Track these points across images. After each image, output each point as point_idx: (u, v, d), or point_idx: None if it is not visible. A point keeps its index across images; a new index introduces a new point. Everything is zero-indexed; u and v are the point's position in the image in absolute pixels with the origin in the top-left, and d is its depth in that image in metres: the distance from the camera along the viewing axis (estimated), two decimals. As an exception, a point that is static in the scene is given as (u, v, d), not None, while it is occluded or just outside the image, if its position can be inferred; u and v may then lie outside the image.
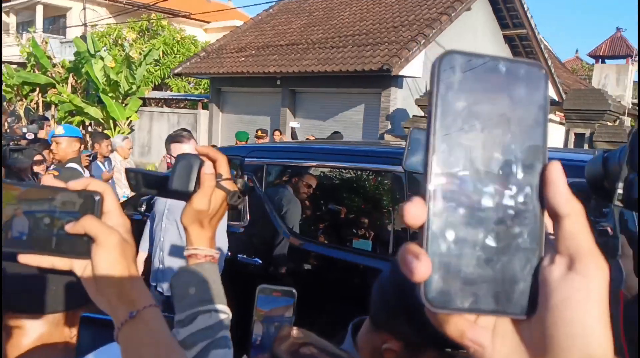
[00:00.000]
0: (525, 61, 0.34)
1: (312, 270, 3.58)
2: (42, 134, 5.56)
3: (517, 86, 0.34)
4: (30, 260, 0.60)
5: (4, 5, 26.60)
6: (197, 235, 0.95)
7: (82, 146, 4.83)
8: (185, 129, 3.60)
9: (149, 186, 1.04)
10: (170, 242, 3.20)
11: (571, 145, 8.51)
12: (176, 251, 3.16)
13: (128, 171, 1.04)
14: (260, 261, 3.65)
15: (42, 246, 0.60)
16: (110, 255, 0.61)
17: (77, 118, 15.14)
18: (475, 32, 12.15)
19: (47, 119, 7.94)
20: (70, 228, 0.60)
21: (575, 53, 29.94)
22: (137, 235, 4.34)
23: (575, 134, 8.53)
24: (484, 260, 0.33)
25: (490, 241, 0.33)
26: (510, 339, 0.34)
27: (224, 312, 0.94)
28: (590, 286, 0.31)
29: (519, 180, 0.34)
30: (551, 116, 14.78)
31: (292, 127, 10.71)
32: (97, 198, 0.61)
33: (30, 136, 4.78)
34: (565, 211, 0.32)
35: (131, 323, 0.63)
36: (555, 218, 0.33)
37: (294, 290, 1.05)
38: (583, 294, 0.31)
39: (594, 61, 19.55)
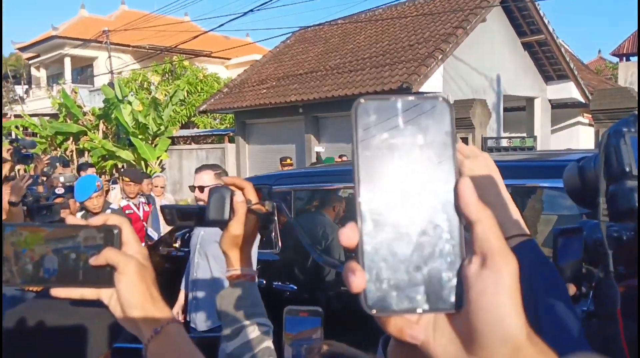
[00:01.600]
0: (429, 96, 0.40)
1: (346, 292, 3.57)
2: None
3: (424, 118, 0.39)
4: (61, 293, 0.67)
5: (35, 60, 27.85)
6: (235, 257, 1.06)
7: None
8: (213, 165, 3.68)
9: (185, 219, 1.14)
10: (202, 277, 3.24)
11: (602, 146, 8.34)
12: (207, 285, 3.19)
13: (163, 208, 1.13)
14: (295, 287, 3.67)
15: (71, 279, 0.66)
16: (130, 280, 0.68)
17: (110, 162, 15.62)
18: (493, 42, 12.12)
19: (92, 165, 8.09)
20: (93, 261, 0.66)
21: (597, 53, 29.45)
22: (173, 272, 4.43)
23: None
24: (413, 267, 0.39)
25: (417, 251, 0.39)
26: (447, 332, 0.39)
27: (266, 325, 1.03)
28: (500, 279, 0.36)
29: (435, 197, 0.39)
30: (579, 118, 14.54)
31: (317, 152, 10.81)
32: (115, 231, 0.68)
33: (61, 191, 4.86)
34: (475, 218, 0.38)
35: (156, 339, 0.70)
36: (469, 224, 0.38)
37: (320, 309, 1.10)
38: (494, 287, 0.36)
39: (617, 59, 19.22)
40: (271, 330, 1.05)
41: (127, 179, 5.82)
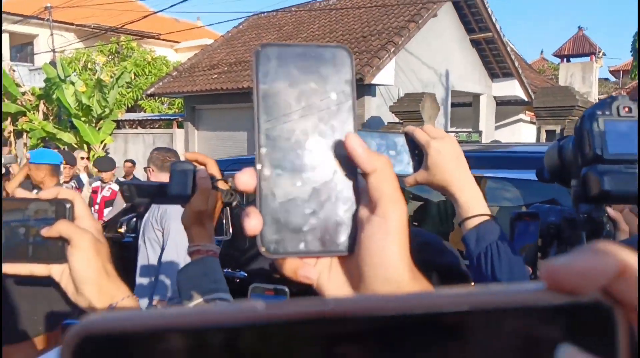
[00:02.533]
0: (331, 45, 0.41)
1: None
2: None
3: (325, 66, 0.40)
4: (8, 268, 0.63)
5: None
6: (198, 233, 1.05)
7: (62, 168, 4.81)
8: (168, 149, 3.66)
9: (143, 196, 1.10)
10: (141, 262, 3.21)
11: (543, 141, 8.72)
12: (145, 270, 3.16)
13: (122, 184, 1.10)
14: (245, 274, 3.65)
15: (19, 254, 0.63)
16: (85, 255, 0.65)
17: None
18: (443, 38, 12.39)
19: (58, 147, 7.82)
20: (45, 231, 0.63)
21: (540, 54, 30.65)
22: (119, 259, 4.34)
23: (547, 131, 8.74)
24: (310, 211, 0.40)
25: (314, 196, 0.40)
26: (341, 274, 0.42)
27: (228, 300, 1.02)
28: (387, 224, 0.38)
29: (334, 144, 0.40)
30: (521, 115, 15.13)
31: None
32: (68, 205, 0.65)
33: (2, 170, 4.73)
34: (368, 168, 0.39)
35: None
36: (364, 175, 0.40)
37: (287, 288, 1.10)
38: (382, 231, 0.38)
39: (559, 60, 20.09)
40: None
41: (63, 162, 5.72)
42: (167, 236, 3.16)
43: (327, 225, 0.40)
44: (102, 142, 14.68)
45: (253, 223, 0.38)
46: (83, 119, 14.28)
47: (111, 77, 15.86)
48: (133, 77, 17.11)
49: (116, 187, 5.99)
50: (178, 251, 3.23)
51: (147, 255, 3.19)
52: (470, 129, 13.48)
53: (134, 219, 4.25)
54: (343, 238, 0.40)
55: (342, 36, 12.27)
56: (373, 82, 10.40)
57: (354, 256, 0.40)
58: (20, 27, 22.79)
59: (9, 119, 16.71)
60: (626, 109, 0.80)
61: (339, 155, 0.40)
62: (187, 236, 1.06)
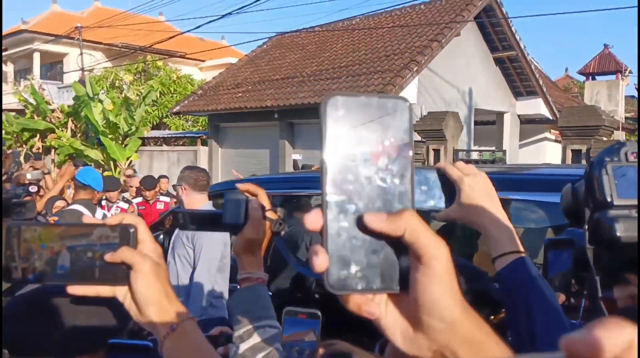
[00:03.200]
0: (392, 96, 0.44)
1: (324, 297, 3.60)
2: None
3: (387, 115, 0.43)
4: (77, 290, 0.67)
5: (3, 54, 27.08)
6: (248, 261, 1.10)
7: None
8: (201, 169, 3.71)
9: (195, 224, 1.16)
10: (171, 277, 3.25)
11: (569, 162, 8.59)
12: (175, 288, 3.21)
13: (175, 212, 1.14)
14: (271, 293, 3.67)
15: (87, 276, 0.67)
16: (146, 279, 0.69)
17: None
18: (466, 57, 12.39)
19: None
20: (108, 257, 0.67)
21: (565, 71, 30.34)
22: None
23: (572, 150, 8.62)
24: (371, 251, 0.43)
25: (375, 237, 0.43)
26: (396, 309, 0.46)
27: (276, 327, 1.06)
28: (433, 271, 0.42)
29: (394, 187, 0.44)
30: (546, 134, 14.95)
31: (294, 160, 10.79)
32: (131, 230, 0.69)
33: (34, 188, 4.85)
34: (398, 233, 0.42)
35: (173, 336, 0.72)
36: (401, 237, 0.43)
37: (319, 312, 1.11)
38: (429, 277, 0.42)
39: (584, 78, 19.87)
40: (281, 332, 1.06)
41: (142, 187, 6.51)
42: (198, 254, 3.22)
43: (386, 263, 0.43)
44: (128, 159, 14.94)
45: (320, 261, 0.42)
46: (110, 136, 14.60)
47: (138, 95, 16.20)
48: (159, 96, 17.45)
49: (124, 206, 6.22)
50: (210, 270, 3.29)
51: (176, 271, 3.25)
52: (494, 148, 13.37)
53: (161, 236, 4.35)
54: (398, 276, 0.44)
55: (365, 55, 12.37)
56: (396, 100, 10.41)
57: (408, 296, 0.44)
58: (51, 47, 23.50)
59: (38, 135, 17.17)
60: (634, 155, 0.82)
61: (397, 198, 0.44)
62: (238, 263, 1.11)
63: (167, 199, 6.72)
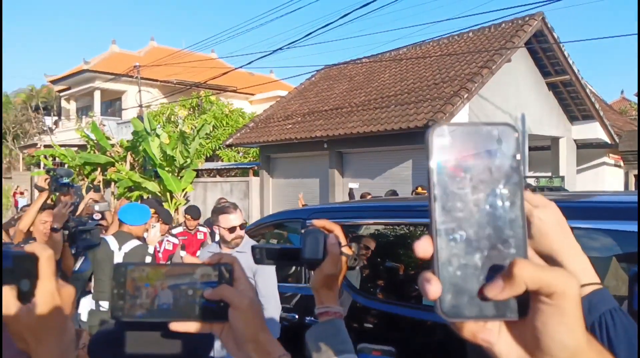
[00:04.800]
0: (498, 123, 0.45)
1: (380, 329, 3.56)
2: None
3: (493, 143, 0.44)
4: (179, 326, 0.71)
5: (65, 93, 28.73)
6: (326, 295, 1.12)
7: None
8: (229, 202, 3.80)
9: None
10: None
11: (632, 187, 8.26)
12: None
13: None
14: (297, 316, 3.68)
15: (188, 313, 0.70)
16: (245, 316, 0.71)
17: (136, 193, 15.86)
18: (517, 82, 12.23)
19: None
20: (208, 294, 0.70)
21: (620, 94, 29.34)
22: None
23: (635, 175, 8.29)
24: (483, 277, 0.43)
25: (487, 263, 0.43)
26: (511, 335, 0.45)
27: None
28: (561, 312, 0.42)
29: (504, 214, 0.44)
30: (605, 158, 14.43)
31: (350, 188, 10.84)
32: (229, 268, 0.72)
33: (98, 216, 5.11)
34: (519, 291, 0.42)
35: None
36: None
37: (394, 349, 1.16)
38: (556, 320, 0.42)
39: (642, 100, 19.14)
40: None
41: (188, 216, 6.59)
42: (265, 287, 3.30)
43: None
44: (183, 190, 15.42)
45: (434, 288, 0.43)
46: (167, 168, 15.14)
47: (192, 129, 16.81)
48: (212, 129, 18.02)
49: (174, 240, 6.39)
50: (277, 301, 3.37)
51: None
52: (550, 174, 13.00)
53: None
54: (513, 303, 0.43)
55: (414, 84, 12.41)
56: (447, 128, 10.34)
57: (526, 322, 0.43)
58: (111, 85, 24.78)
59: (99, 169, 18.02)
60: None
61: (509, 224, 0.44)
62: (316, 297, 1.13)
63: (205, 229, 6.78)
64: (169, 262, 5.96)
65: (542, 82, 12.90)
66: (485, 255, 0.43)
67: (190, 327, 0.70)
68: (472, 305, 0.43)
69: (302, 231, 1.13)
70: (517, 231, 0.44)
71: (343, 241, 1.13)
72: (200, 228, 6.73)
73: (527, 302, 0.43)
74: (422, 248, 0.44)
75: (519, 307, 0.43)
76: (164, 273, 0.70)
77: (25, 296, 0.68)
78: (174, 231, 6.53)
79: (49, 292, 0.68)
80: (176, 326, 0.70)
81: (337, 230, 1.14)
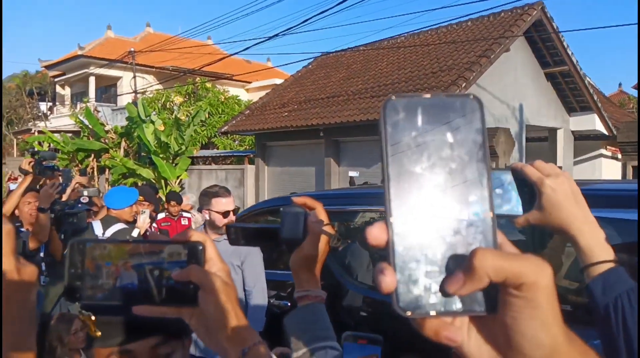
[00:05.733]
0: (458, 94, 0.39)
1: (381, 319, 3.50)
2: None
3: (455, 116, 0.39)
4: (144, 310, 0.63)
5: (60, 79, 28.49)
6: (307, 278, 1.03)
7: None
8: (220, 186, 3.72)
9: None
10: None
11: (629, 178, 8.22)
12: None
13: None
14: (289, 304, 3.62)
15: (154, 296, 0.63)
16: (216, 299, 0.64)
17: (130, 180, 15.74)
18: (516, 72, 12.14)
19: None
20: (176, 275, 0.62)
21: (618, 87, 29.33)
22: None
23: (633, 167, 8.24)
24: (446, 269, 0.37)
25: (450, 251, 0.38)
26: (479, 333, 0.40)
27: (337, 349, 0.98)
28: (534, 305, 0.36)
29: (468, 195, 0.38)
30: (602, 150, 14.40)
31: (351, 177, 10.75)
32: (200, 247, 0.65)
33: (85, 199, 5.02)
34: (482, 285, 0.37)
35: None
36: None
37: (381, 338, 1.09)
38: (528, 312, 0.37)
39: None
40: (341, 354, 1.01)
41: (173, 202, 6.55)
42: (252, 273, 3.24)
43: None
44: (178, 177, 15.31)
45: (388, 280, 0.37)
46: (161, 155, 15.01)
47: (187, 116, 16.66)
48: (207, 116, 17.88)
49: (188, 215, 6.47)
50: (264, 288, 3.30)
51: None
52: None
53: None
54: (482, 297, 0.38)
55: (411, 72, 12.30)
56: (444, 117, 10.27)
57: (496, 318, 0.38)
58: (106, 71, 24.57)
59: (92, 155, 17.87)
60: None
61: (473, 206, 0.38)
62: (295, 280, 1.04)
63: (189, 215, 6.75)
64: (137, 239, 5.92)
65: (540, 72, 12.81)
66: (447, 242, 0.38)
67: (156, 311, 0.64)
68: (434, 299, 0.37)
69: (281, 209, 1.03)
70: (486, 210, 0.38)
71: (325, 219, 1.03)
72: (184, 214, 6.68)
73: (497, 295, 0.38)
74: (375, 235, 0.38)
75: (488, 300, 0.38)
76: (127, 251, 0.63)
77: None
78: (158, 217, 6.44)
79: (6, 270, 0.61)
80: (140, 310, 0.63)
81: (319, 208, 1.03)
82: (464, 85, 10.50)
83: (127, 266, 0.62)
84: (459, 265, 0.37)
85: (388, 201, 0.38)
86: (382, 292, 0.37)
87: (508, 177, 0.91)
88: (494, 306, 0.38)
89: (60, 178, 4.63)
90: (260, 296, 3.35)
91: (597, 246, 0.92)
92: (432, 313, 0.37)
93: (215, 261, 0.67)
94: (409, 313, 0.37)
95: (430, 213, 0.38)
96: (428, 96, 0.39)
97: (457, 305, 0.38)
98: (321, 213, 1.03)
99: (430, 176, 0.38)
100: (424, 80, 11.50)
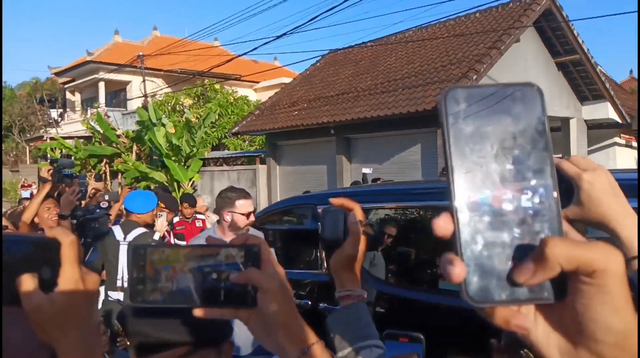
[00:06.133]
0: (519, 83, 0.40)
1: (401, 315, 3.49)
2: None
3: (515, 106, 0.39)
4: (204, 313, 0.65)
5: (70, 85, 28.72)
6: (348, 278, 1.04)
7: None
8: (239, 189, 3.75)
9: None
10: None
11: (646, 166, 8.11)
12: None
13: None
14: (309, 303, 3.62)
15: (212, 299, 0.64)
16: (275, 300, 0.66)
17: (143, 183, 15.84)
18: (526, 63, 12.04)
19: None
20: (234, 278, 0.64)
21: (629, 73, 28.97)
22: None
23: (649, 154, 8.14)
24: (514, 257, 0.38)
25: (517, 240, 0.38)
26: (547, 320, 0.40)
27: (381, 347, 0.99)
28: (606, 295, 0.37)
29: (532, 184, 0.39)
30: (616, 138, 14.25)
31: (363, 174, 10.72)
32: (256, 249, 0.66)
33: (105, 204, 5.08)
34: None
35: None
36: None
37: (422, 336, 1.11)
38: (600, 300, 0.37)
39: (653, 79, 18.86)
40: (385, 352, 1.01)
41: (185, 204, 6.57)
42: None
43: None
44: (190, 179, 15.38)
45: (457, 270, 0.37)
46: (173, 158, 15.08)
47: (197, 118, 16.72)
48: (217, 118, 17.94)
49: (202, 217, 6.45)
50: None
51: None
52: (560, 155, 12.82)
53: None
54: (549, 284, 0.38)
55: (421, 66, 12.25)
56: (455, 111, 10.20)
57: (565, 304, 0.38)
58: (115, 76, 24.71)
59: (105, 160, 18.00)
60: None
61: (540, 193, 0.39)
62: (337, 280, 1.05)
63: (203, 216, 6.77)
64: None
65: (551, 62, 12.70)
66: (514, 231, 0.38)
67: (215, 313, 0.66)
68: (502, 288, 0.38)
69: (320, 210, 1.02)
70: (550, 201, 0.39)
71: (363, 220, 1.04)
72: (198, 216, 6.70)
73: (565, 282, 0.38)
74: (442, 226, 0.39)
75: (556, 288, 0.38)
76: (185, 255, 0.65)
77: (47, 284, 0.62)
78: (172, 220, 6.47)
79: (72, 280, 0.63)
80: (200, 312, 0.65)
81: (357, 208, 1.05)
82: (474, 77, 10.43)
83: (185, 270, 0.64)
84: (527, 254, 0.37)
85: (453, 192, 0.39)
86: (452, 282, 0.37)
87: None
88: (562, 293, 0.38)
89: (78, 185, 4.68)
90: None
91: (636, 241, 0.91)
92: (501, 301, 0.38)
93: (271, 263, 0.68)
94: (478, 303, 0.38)
95: (496, 203, 0.38)
96: (488, 85, 0.39)
97: (525, 293, 0.38)
98: (359, 213, 1.04)
99: (493, 165, 0.39)
100: (434, 74, 11.45)
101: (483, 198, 0.39)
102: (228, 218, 3.38)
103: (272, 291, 0.65)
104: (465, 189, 0.39)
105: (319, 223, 1.06)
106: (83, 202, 4.67)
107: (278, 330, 0.67)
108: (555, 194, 0.39)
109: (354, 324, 1.01)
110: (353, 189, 5.11)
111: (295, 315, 0.69)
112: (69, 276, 0.62)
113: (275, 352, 0.70)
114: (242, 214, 3.32)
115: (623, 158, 14.06)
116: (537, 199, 0.38)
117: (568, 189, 0.94)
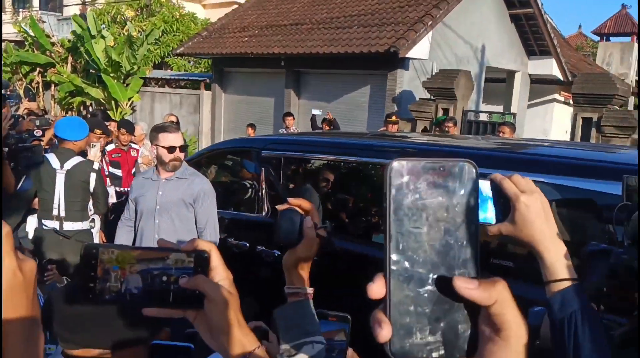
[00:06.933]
0: (457, 160, 0.44)
1: (332, 264, 3.59)
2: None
3: (452, 180, 0.43)
4: (153, 312, 0.69)
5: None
6: (297, 276, 1.12)
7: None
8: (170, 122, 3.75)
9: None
10: (166, 237, 3.34)
11: (579, 130, 8.51)
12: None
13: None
14: (279, 253, 3.68)
15: (161, 300, 0.68)
16: (219, 307, 0.70)
17: (78, 99, 15.04)
18: (482, 11, 12.00)
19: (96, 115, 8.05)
20: (183, 283, 0.68)
21: (578, 28, 29.64)
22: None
23: (583, 118, 8.51)
24: (434, 319, 0.43)
25: (438, 305, 0.43)
26: None
27: (322, 343, 1.08)
28: (511, 348, 0.42)
29: (458, 253, 0.43)
30: (555, 95, 14.75)
31: (313, 115, 10.57)
32: (205, 256, 0.70)
33: (39, 132, 4.83)
34: (488, 303, 0.42)
35: None
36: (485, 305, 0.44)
37: (349, 316, 1.22)
38: (504, 353, 0.42)
39: (598, 37, 19.41)
40: (325, 347, 1.10)
41: (123, 130, 6.20)
42: (205, 217, 3.44)
43: (450, 330, 0.43)
44: (129, 99, 14.72)
45: (385, 332, 0.42)
46: (112, 75, 14.30)
47: (139, 32, 15.74)
48: (161, 34, 16.96)
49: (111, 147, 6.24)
50: (215, 236, 3.53)
51: (175, 230, 3.43)
52: (501, 107, 13.20)
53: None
54: (463, 343, 0.43)
55: (378, 4, 11.95)
56: (407, 55, 10.16)
57: None
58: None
59: (37, 70, 16.81)
60: None
61: (461, 266, 0.43)
62: (287, 278, 1.13)
63: (137, 146, 6.52)
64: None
65: (506, 13, 12.71)
66: (436, 297, 0.43)
67: (164, 312, 0.70)
68: (422, 346, 0.43)
69: (278, 209, 1.11)
70: (470, 270, 0.43)
71: (318, 222, 1.11)
72: (133, 145, 6.41)
73: (475, 341, 0.43)
74: (375, 290, 0.43)
75: (466, 347, 0.43)
76: (134, 257, 0.68)
77: None
78: (107, 148, 6.19)
79: (9, 270, 0.62)
80: (149, 311, 0.69)
81: (313, 211, 1.11)
82: (429, 23, 10.33)
83: (134, 271, 0.67)
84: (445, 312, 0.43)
85: (388, 258, 0.42)
86: (379, 341, 0.42)
87: (486, 186, 0.99)
88: (472, 351, 0.43)
89: (9, 105, 4.38)
90: (211, 235, 3.48)
91: (560, 264, 1.00)
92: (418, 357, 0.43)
93: (219, 270, 0.71)
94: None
95: (425, 270, 0.43)
96: (429, 160, 0.43)
97: (440, 352, 0.43)
98: (315, 216, 1.10)
99: (427, 236, 0.43)
100: (391, 14, 11.22)
101: (414, 264, 0.42)
102: (154, 151, 3.44)
103: (217, 299, 0.69)
104: (400, 256, 0.42)
105: (274, 223, 1.12)
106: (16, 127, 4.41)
107: (221, 336, 0.72)
108: (475, 261, 0.43)
109: (299, 320, 1.08)
110: (298, 136, 5.06)
111: (240, 322, 0.73)
112: (6, 267, 0.62)
113: (220, 353, 0.75)
114: (164, 147, 3.35)
115: (560, 114, 14.64)
116: (461, 270, 0.43)
117: (505, 205, 1.00)
